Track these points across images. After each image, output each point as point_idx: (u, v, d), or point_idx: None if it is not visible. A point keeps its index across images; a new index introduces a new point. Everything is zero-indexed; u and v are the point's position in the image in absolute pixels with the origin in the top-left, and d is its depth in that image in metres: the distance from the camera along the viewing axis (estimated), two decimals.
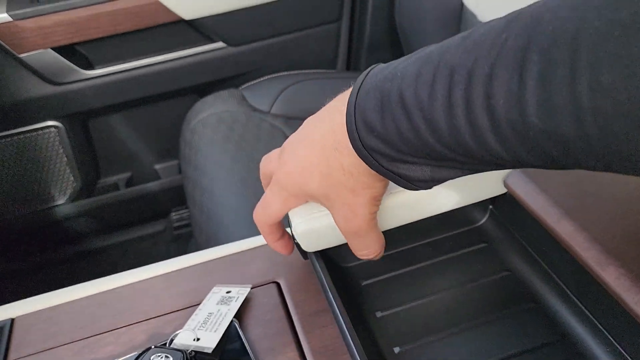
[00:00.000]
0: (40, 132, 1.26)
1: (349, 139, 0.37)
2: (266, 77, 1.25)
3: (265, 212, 0.46)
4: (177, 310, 0.53)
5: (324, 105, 0.42)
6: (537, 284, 0.48)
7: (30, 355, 0.50)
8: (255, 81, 1.24)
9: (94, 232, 1.42)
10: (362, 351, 0.41)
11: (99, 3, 1.13)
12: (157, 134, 1.38)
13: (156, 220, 1.48)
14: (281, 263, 0.56)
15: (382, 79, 0.35)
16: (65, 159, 1.31)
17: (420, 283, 0.52)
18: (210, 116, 1.11)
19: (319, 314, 0.51)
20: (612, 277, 0.40)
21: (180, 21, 1.19)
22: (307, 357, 0.47)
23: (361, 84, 0.37)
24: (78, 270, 1.39)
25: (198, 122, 1.10)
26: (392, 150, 0.35)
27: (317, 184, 0.41)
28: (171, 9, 1.16)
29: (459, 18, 1.10)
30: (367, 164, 0.37)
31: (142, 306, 0.54)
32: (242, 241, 0.60)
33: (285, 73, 1.26)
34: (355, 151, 0.37)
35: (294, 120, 1.13)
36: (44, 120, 1.25)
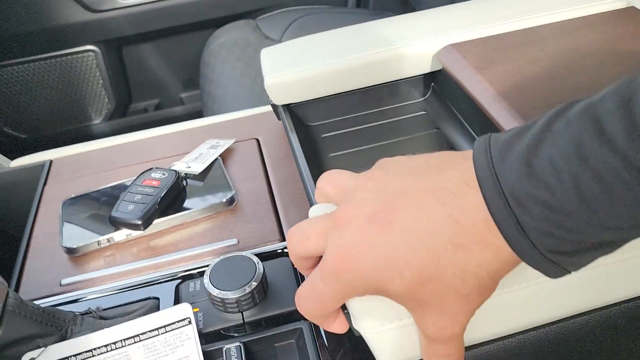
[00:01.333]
0: (79, 55, 1.42)
1: (485, 227, 0.28)
2: (280, 10, 1.38)
3: (319, 307, 0.34)
4: (179, 154, 0.67)
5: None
6: (452, 131, 0.61)
7: (64, 181, 0.66)
8: (270, 13, 1.36)
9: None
10: (310, 175, 0.53)
11: None
12: (182, 64, 1.52)
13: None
14: (263, 125, 0.70)
15: (529, 142, 0.27)
16: (102, 81, 1.47)
17: (369, 138, 0.65)
18: (226, 41, 1.24)
19: (286, 158, 0.65)
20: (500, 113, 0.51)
21: None
22: (272, 184, 0.61)
23: (489, 154, 0.29)
24: None
25: (216, 45, 1.24)
26: (569, 226, 0.26)
27: (408, 286, 0.30)
28: None
29: None
30: (518, 252, 0.28)
31: (152, 153, 0.69)
32: (234, 112, 0.74)
33: (298, 7, 1.38)
34: (506, 237, 0.28)
35: None
36: (83, 44, 1.41)
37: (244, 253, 0.48)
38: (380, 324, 0.35)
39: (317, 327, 0.45)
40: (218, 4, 1.39)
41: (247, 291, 0.45)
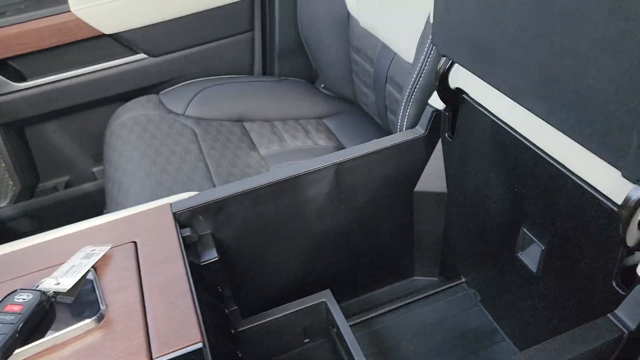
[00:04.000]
0: None
1: None
2: (184, 83, 1.39)
3: None
4: (53, 266, 0.65)
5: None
6: None
7: None
8: (173, 87, 1.37)
9: (35, 231, 1.53)
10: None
11: (25, 22, 1.26)
12: (90, 139, 1.50)
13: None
14: (141, 227, 0.70)
15: None
16: (4, 164, 1.42)
17: None
18: (128, 119, 1.23)
19: (163, 262, 0.64)
20: None
21: (102, 35, 1.32)
22: (144, 293, 0.60)
23: None
24: None
25: (117, 125, 1.23)
26: None
27: None
28: (92, 25, 1.29)
29: (347, 25, 1.25)
30: None
31: (25, 265, 0.66)
32: (112, 214, 0.73)
33: (201, 79, 1.39)
34: None
35: (205, 121, 1.26)
36: None
37: None
38: None
39: None
40: (119, 80, 1.38)
41: None
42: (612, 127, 0.44)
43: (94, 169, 1.56)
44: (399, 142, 0.78)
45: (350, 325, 0.81)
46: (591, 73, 0.44)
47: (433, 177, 0.81)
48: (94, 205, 1.56)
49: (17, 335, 0.53)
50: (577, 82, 0.46)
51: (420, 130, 0.79)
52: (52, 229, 1.55)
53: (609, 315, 0.50)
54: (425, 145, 0.79)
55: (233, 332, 0.68)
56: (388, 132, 1.12)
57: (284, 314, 0.75)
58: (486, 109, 0.68)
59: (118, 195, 1.05)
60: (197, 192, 0.76)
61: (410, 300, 0.84)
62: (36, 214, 1.52)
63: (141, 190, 1.01)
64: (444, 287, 0.85)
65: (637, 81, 0.41)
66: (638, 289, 0.49)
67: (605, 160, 0.46)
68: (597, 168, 0.51)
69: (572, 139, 0.49)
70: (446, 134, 0.77)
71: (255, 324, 0.74)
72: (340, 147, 1.22)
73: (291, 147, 1.21)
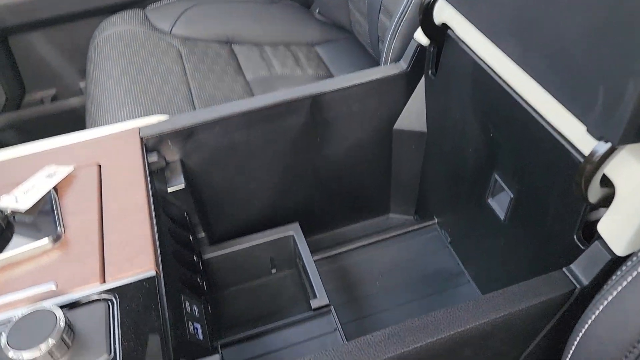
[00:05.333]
0: None
1: None
2: None
3: None
4: (15, 183, 0.64)
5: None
6: None
7: None
8: (161, 3, 1.31)
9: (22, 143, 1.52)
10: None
11: None
12: (76, 53, 1.45)
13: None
14: (107, 150, 0.68)
15: None
16: None
17: None
18: (111, 34, 1.19)
19: (126, 187, 0.63)
20: None
21: None
22: (103, 218, 0.60)
23: None
24: None
25: (100, 40, 1.19)
26: None
27: None
28: None
29: None
30: None
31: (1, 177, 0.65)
32: (79, 133, 0.71)
33: None
34: None
35: (192, 41, 1.21)
36: None
37: (47, 306, 0.47)
38: None
39: None
40: None
41: (42, 350, 0.45)
42: (580, 80, 0.41)
43: (81, 84, 1.53)
44: (380, 77, 0.75)
45: (318, 260, 0.82)
46: (565, 21, 0.41)
47: (413, 115, 0.79)
48: (80, 120, 1.54)
49: None
50: (551, 28, 0.43)
51: (403, 66, 0.75)
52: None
53: (564, 269, 0.50)
54: (407, 81, 0.76)
55: (196, 259, 0.68)
56: (379, 64, 1.08)
57: (252, 244, 0.75)
58: (470, 48, 0.64)
59: (96, 114, 1.03)
60: (167, 117, 0.74)
61: (380, 238, 0.84)
62: (22, 126, 1.50)
63: (118, 110, 0.99)
64: (415, 227, 0.85)
65: (608, 35, 0.37)
66: (595, 246, 0.48)
67: (572, 113, 0.44)
68: (570, 120, 0.49)
69: (543, 87, 0.46)
70: (429, 72, 0.74)
71: (221, 253, 0.74)
72: (329, 76, 1.19)
73: (279, 74, 1.18)
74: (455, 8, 0.58)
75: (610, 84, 0.39)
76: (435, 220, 0.85)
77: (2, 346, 0.45)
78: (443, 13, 0.66)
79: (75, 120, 1.54)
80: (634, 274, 0.42)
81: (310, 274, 0.69)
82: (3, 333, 0.45)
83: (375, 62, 1.19)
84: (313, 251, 0.81)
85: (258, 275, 0.79)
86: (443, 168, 0.78)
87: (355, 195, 0.88)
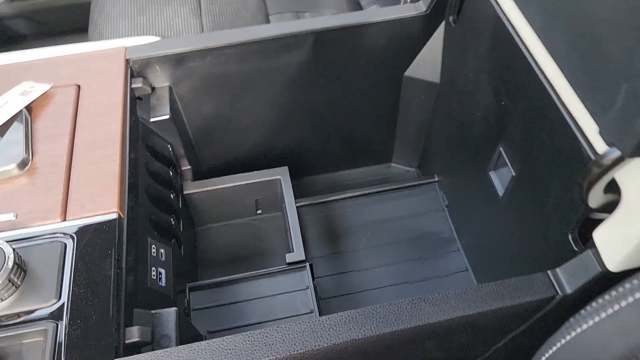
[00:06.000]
0: None
1: None
2: None
3: None
4: None
5: None
6: None
7: None
8: None
9: (30, 35, 1.47)
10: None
11: None
12: None
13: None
14: (89, 70, 0.63)
15: None
16: None
17: None
18: None
19: (101, 114, 0.59)
20: None
21: None
22: (74, 149, 0.56)
23: None
24: None
25: None
26: None
27: None
28: None
29: None
30: None
31: None
32: (61, 47, 0.67)
33: None
34: None
35: None
36: None
37: None
38: None
39: (64, 329, 0.44)
40: None
41: None
42: (602, 73, 0.34)
43: None
44: (394, 18, 0.67)
45: (307, 205, 0.79)
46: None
47: (427, 63, 0.71)
48: (84, 19, 1.48)
49: None
50: (582, 4, 0.35)
51: (421, 7, 0.67)
52: (44, 35, 1.50)
53: (548, 272, 0.45)
54: (424, 25, 0.68)
55: (173, 197, 0.65)
56: None
57: (237, 183, 0.72)
58: (497, 1, 0.56)
59: (99, 17, 0.97)
60: (157, 39, 0.68)
61: (376, 190, 0.79)
62: (32, 16, 1.45)
63: (120, 17, 0.93)
64: (415, 183, 0.80)
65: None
66: (587, 254, 0.44)
67: (587, 108, 0.37)
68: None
69: (559, 68, 0.40)
70: (450, 17, 0.66)
71: (204, 189, 0.71)
72: (353, 1, 1.09)
73: None
74: None
75: (635, 86, 0.32)
76: (436, 179, 0.80)
77: None
78: None
79: (83, 17, 1.48)
80: (637, 296, 0.37)
81: (290, 225, 0.66)
82: None
83: None
84: (304, 195, 0.78)
85: (242, 215, 0.76)
86: (450, 126, 0.71)
87: (356, 141, 0.83)
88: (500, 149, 0.58)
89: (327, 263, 0.73)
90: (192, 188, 0.71)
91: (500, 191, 0.60)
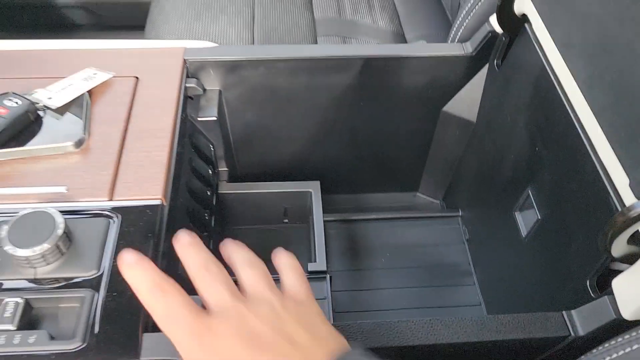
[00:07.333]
0: None
1: None
2: None
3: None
4: (54, 77, 0.65)
5: None
6: None
7: None
8: None
9: (88, 26, 1.54)
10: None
11: None
12: None
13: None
14: (149, 64, 0.67)
15: None
16: None
17: None
18: None
19: (155, 106, 0.63)
20: None
21: None
22: (127, 135, 0.60)
23: None
24: None
25: None
26: None
27: None
28: None
29: None
30: None
31: (33, 67, 0.66)
32: (127, 41, 0.71)
33: None
34: None
35: None
36: None
37: (50, 210, 0.48)
38: None
39: (100, 299, 0.47)
40: None
41: (36, 252, 0.46)
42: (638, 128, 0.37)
43: None
44: (441, 55, 0.70)
45: (332, 220, 0.81)
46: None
47: (466, 102, 0.74)
48: (142, 17, 1.54)
49: None
50: (628, 62, 0.38)
51: (468, 48, 0.70)
52: (101, 28, 1.56)
53: (563, 312, 0.47)
54: (469, 66, 0.71)
55: (210, 194, 0.68)
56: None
57: (269, 190, 0.75)
58: (543, 50, 0.58)
59: (157, 18, 1.02)
60: (215, 45, 0.72)
61: (400, 216, 0.82)
62: (92, 8, 1.51)
63: (178, 20, 0.98)
64: (438, 214, 0.82)
65: None
66: (603, 300, 0.45)
67: (620, 161, 0.40)
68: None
69: (599, 122, 0.42)
70: (495, 61, 0.69)
71: (238, 191, 0.75)
72: (398, 33, 1.13)
73: (348, 19, 1.13)
74: (533, 3, 0.53)
75: None
76: (460, 213, 0.83)
77: (2, 238, 0.46)
78: (525, 3, 0.61)
79: (143, 16, 1.54)
80: None
81: (316, 237, 0.69)
82: (5, 225, 0.47)
83: (449, 27, 1.12)
84: (330, 210, 0.81)
85: (269, 221, 0.79)
86: (480, 164, 0.74)
87: (386, 166, 0.86)
88: (529, 191, 0.60)
89: (344, 277, 0.75)
90: (228, 189, 0.74)
91: (524, 232, 0.62)
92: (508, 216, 0.65)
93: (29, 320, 0.47)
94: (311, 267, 0.66)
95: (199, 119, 0.69)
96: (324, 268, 0.66)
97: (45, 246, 0.47)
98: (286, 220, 0.79)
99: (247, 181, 0.76)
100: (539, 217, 0.58)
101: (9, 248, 0.46)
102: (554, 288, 0.56)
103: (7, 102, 0.58)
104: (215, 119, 0.69)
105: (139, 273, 0.40)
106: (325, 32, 1.08)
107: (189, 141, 0.66)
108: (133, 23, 1.55)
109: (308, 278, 0.66)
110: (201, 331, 0.37)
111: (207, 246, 0.63)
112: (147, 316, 0.47)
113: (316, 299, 0.65)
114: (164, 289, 0.40)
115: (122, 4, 1.52)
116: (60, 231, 0.48)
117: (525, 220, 0.62)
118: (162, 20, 1.00)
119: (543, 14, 0.51)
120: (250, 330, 0.37)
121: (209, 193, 0.68)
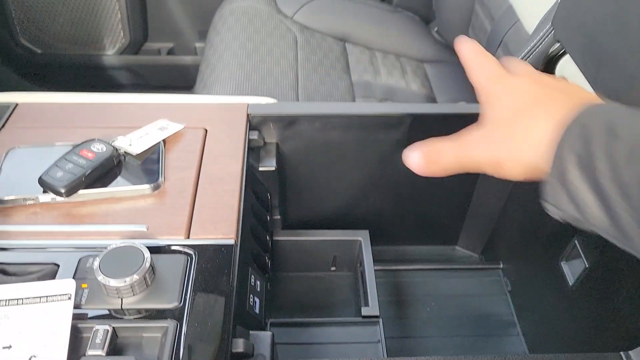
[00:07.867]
0: None
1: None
2: None
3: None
4: (131, 127, 0.70)
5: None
6: None
7: (21, 127, 0.70)
8: None
9: (132, 85, 1.63)
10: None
11: None
12: (201, 14, 1.54)
13: (186, 90, 1.68)
14: (216, 118, 0.73)
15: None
16: (119, 15, 1.50)
17: None
18: (238, 8, 1.25)
19: (224, 156, 0.68)
20: None
21: None
22: (200, 179, 0.65)
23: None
24: None
25: (227, 10, 1.26)
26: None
27: None
28: None
29: None
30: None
31: (109, 119, 0.72)
32: (195, 96, 0.77)
33: None
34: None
35: (310, 30, 1.26)
36: None
37: (138, 245, 0.52)
38: None
39: (181, 328, 0.50)
40: None
41: (127, 282, 0.50)
42: None
43: (197, 44, 1.62)
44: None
45: (377, 270, 0.84)
46: None
47: None
48: (188, 78, 1.64)
49: (83, 179, 0.60)
50: None
51: None
52: (145, 87, 1.66)
53: (621, 353, 0.50)
54: None
55: (268, 239, 0.72)
56: None
57: (321, 238, 0.79)
58: None
59: (209, 78, 1.10)
60: (275, 101, 0.79)
61: (442, 267, 0.85)
62: (137, 70, 1.61)
63: (229, 80, 1.05)
64: (480, 266, 0.85)
65: None
66: None
67: None
68: None
69: None
70: None
71: (291, 238, 0.78)
72: (430, 97, 1.20)
73: (383, 82, 1.20)
74: (580, 70, 0.58)
75: None
76: (501, 266, 0.85)
77: (95, 269, 0.50)
78: (566, 68, 0.66)
79: (183, 77, 1.64)
80: None
81: (367, 282, 0.72)
82: (97, 258, 0.51)
83: None
84: (375, 261, 0.84)
85: (317, 268, 0.82)
86: (523, 216, 0.78)
87: (427, 219, 0.89)
88: (576, 241, 0.64)
89: (393, 324, 0.77)
90: (282, 235, 0.78)
91: (571, 281, 0.64)
92: (554, 267, 0.68)
93: (114, 348, 0.50)
94: (364, 311, 0.69)
95: (260, 168, 0.74)
96: (377, 312, 0.69)
97: (135, 277, 0.50)
98: (333, 268, 0.83)
99: (296, 229, 0.80)
100: (587, 265, 0.61)
101: (102, 278, 0.50)
102: (604, 334, 0.58)
103: (93, 148, 0.63)
104: (274, 169, 0.74)
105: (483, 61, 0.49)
106: (363, 94, 1.15)
107: (250, 188, 0.71)
108: (174, 84, 1.66)
109: (361, 322, 0.69)
110: (503, 74, 0.47)
111: (266, 289, 0.66)
112: (228, 345, 0.50)
113: (369, 342, 0.68)
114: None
115: (162, 65, 1.63)
116: (147, 264, 0.51)
117: (573, 270, 0.65)
118: (213, 80, 1.08)
119: (589, 75, 0.57)
120: (537, 78, 0.46)
121: (267, 238, 0.72)
